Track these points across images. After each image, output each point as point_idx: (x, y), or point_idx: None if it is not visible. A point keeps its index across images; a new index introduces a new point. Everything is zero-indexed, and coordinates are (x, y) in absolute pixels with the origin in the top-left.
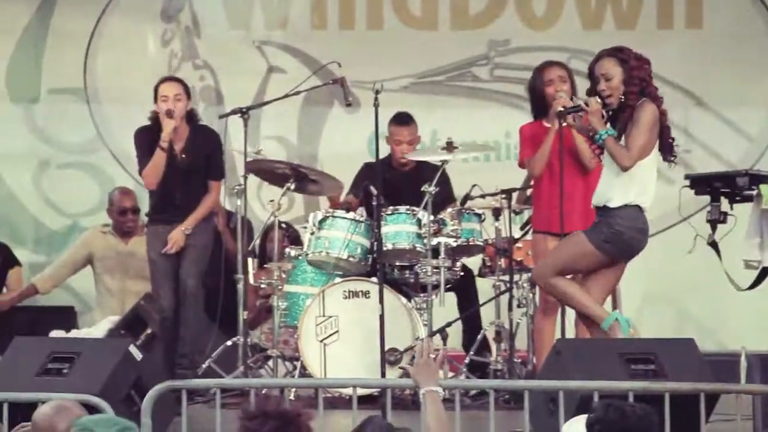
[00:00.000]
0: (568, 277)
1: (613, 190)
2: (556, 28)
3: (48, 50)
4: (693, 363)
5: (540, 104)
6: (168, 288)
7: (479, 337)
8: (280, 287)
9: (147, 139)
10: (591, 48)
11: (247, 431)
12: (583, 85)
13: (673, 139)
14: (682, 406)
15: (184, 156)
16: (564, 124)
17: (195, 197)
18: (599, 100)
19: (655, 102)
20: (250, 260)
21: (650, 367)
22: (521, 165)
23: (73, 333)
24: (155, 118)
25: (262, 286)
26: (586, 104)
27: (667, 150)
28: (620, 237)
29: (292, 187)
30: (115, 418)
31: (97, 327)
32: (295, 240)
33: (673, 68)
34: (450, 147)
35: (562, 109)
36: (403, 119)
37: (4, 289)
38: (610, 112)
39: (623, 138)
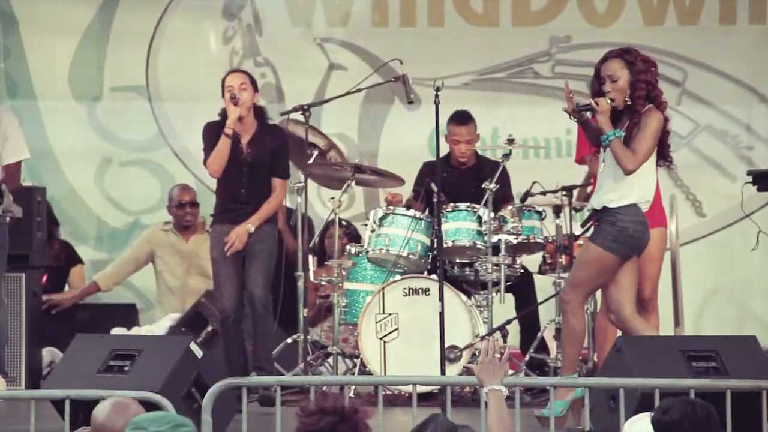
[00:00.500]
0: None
1: (614, 191)
2: (617, 25)
3: (110, 49)
4: (755, 360)
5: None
6: (230, 289)
7: (538, 335)
8: (340, 284)
9: (214, 132)
10: (653, 44)
11: (304, 427)
12: None
13: (669, 145)
14: (744, 404)
15: (249, 150)
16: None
17: (260, 195)
18: (609, 101)
19: (660, 107)
20: (310, 258)
21: (712, 365)
22: (579, 161)
23: (135, 330)
24: (224, 113)
25: (323, 283)
26: (597, 104)
27: (664, 155)
28: (626, 233)
29: (353, 184)
30: (170, 415)
31: (158, 324)
32: (355, 237)
33: (736, 64)
34: (510, 144)
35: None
36: (461, 118)
37: (66, 287)
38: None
39: (628, 142)
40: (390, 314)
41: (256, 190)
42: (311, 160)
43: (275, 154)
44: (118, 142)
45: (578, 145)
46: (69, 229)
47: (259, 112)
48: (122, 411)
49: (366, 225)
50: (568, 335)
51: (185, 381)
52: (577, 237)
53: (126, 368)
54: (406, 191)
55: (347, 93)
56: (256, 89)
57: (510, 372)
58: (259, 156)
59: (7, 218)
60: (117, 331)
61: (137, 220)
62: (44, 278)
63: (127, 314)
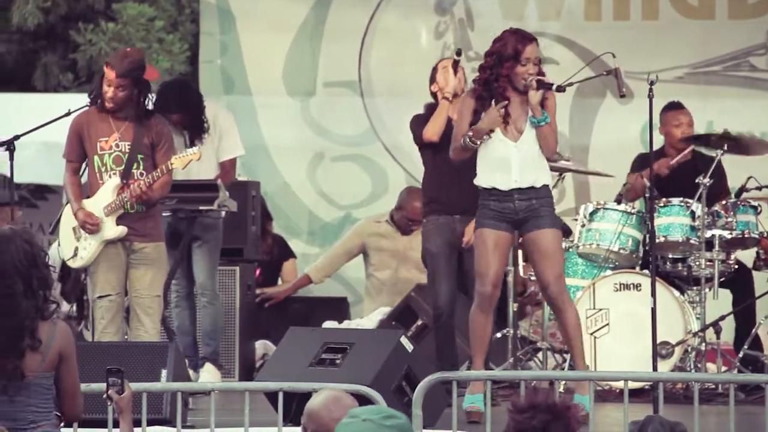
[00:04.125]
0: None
1: (539, 171)
2: None
3: (324, 45)
4: None
5: None
6: (447, 284)
7: (753, 331)
8: None
9: (422, 123)
10: None
11: (516, 425)
12: None
13: None
14: None
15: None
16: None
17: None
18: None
19: None
20: (519, 253)
21: None
22: None
23: (346, 324)
24: (430, 107)
25: (532, 278)
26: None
27: None
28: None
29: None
30: (386, 408)
31: (369, 318)
32: (565, 232)
33: None
34: (727, 138)
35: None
36: (677, 105)
37: (279, 281)
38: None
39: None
40: (601, 309)
41: (467, 178)
42: None
43: None
44: (330, 137)
45: None
46: (282, 222)
47: None
48: (336, 402)
49: (576, 220)
50: (575, 328)
51: (396, 374)
52: None
53: (338, 361)
54: (617, 186)
55: (559, 87)
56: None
57: (723, 369)
58: None
59: (223, 213)
60: (329, 324)
61: (348, 215)
62: (258, 272)
63: (339, 307)
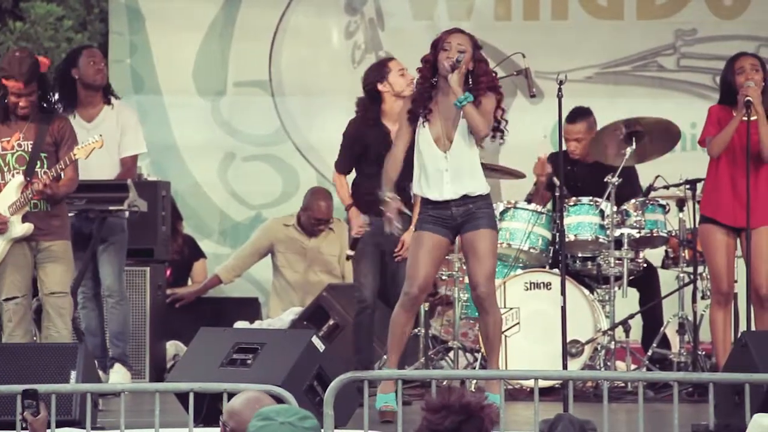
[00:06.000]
0: None
1: (474, 180)
2: (744, 17)
3: (234, 44)
4: None
5: (728, 94)
6: (374, 280)
7: (661, 330)
8: (460, 279)
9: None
10: None
11: (429, 424)
12: None
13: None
14: None
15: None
16: (749, 116)
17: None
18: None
19: None
20: None
21: None
22: (701, 143)
23: (257, 324)
24: (362, 107)
25: (443, 278)
26: (454, 66)
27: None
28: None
29: None
30: (295, 408)
31: (280, 318)
32: None
33: None
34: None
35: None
36: (570, 116)
37: (189, 281)
38: None
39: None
40: (511, 308)
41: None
42: None
43: None
44: (241, 137)
45: (705, 126)
46: (193, 222)
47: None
48: (258, 402)
49: None
50: (496, 332)
51: (307, 374)
52: None
53: (249, 361)
54: (527, 185)
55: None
56: None
57: (633, 367)
58: None
59: (127, 213)
60: (240, 324)
61: (259, 214)
62: (168, 272)
63: (250, 308)
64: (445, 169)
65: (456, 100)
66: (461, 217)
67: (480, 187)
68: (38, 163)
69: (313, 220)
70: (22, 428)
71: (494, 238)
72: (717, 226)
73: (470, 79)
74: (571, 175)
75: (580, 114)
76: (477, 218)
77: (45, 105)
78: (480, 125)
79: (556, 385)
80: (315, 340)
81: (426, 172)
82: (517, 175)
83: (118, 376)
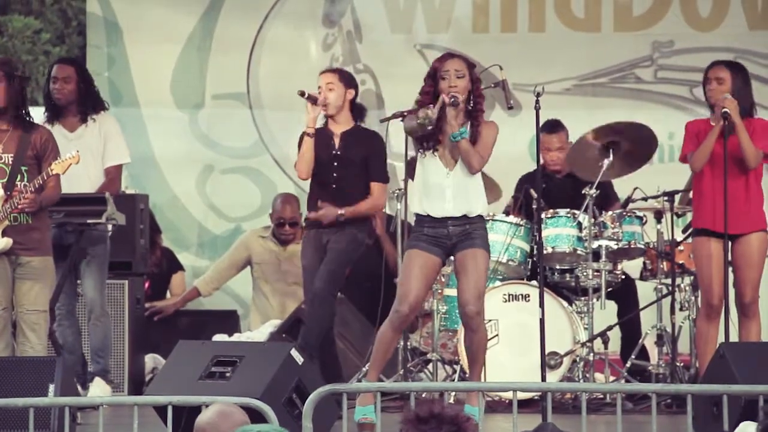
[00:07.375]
0: None
1: (474, 200)
2: (721, 29)
3: (212, 57)
4: None
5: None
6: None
7: (640, 341)
8: (439, 291)
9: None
10: (758, 49)
11: None
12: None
13: None
14: None
15: (340, 143)
16: (727, 128)
17: (351, 193)
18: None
19: None
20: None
21: None
22: (682, 159)
23: (236, 337)
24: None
25: None
26: (453, 103)
27: None
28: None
29: None
30: (277, 427)
31: (259, 331)
32: None
33: None
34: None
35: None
36: (551, 127)
37: (168, 294)
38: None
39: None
40: (490, 320)
41: (346, 186)
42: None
43: (369, 156)
44: (219, 150)
45: (684, 143)
46: (171, 235)
47: (356, 110)
48: (226, 417)
49: None
50: (481, 351)
51: (286, 387)
52: (679, 243)
53: (227, 374)
54: (505, 198)
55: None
56: (350, 86)
57: (611, 379)
58: (349, 151)
59: (110, 226)
60: (218, 337)
61: (238, 227)
62: (147, 285)
63: (229, 321)
64: (448, 186)
65: (451, 135)
66: (456, 237)
67: (479, 208)
68: (18, 176)
69: (275, 221)
70: None
71: (486, 259)
72: (709, 238)
73: (471, 101)
74: (547, 187)
75: (559, 124)
76: (472, 238)
77: (27, 116)
78: (473, 162)
79: (535, 397)
80: (294, 352)
81: (428, 187)
82: (493, 188)
83: (97, 390)
